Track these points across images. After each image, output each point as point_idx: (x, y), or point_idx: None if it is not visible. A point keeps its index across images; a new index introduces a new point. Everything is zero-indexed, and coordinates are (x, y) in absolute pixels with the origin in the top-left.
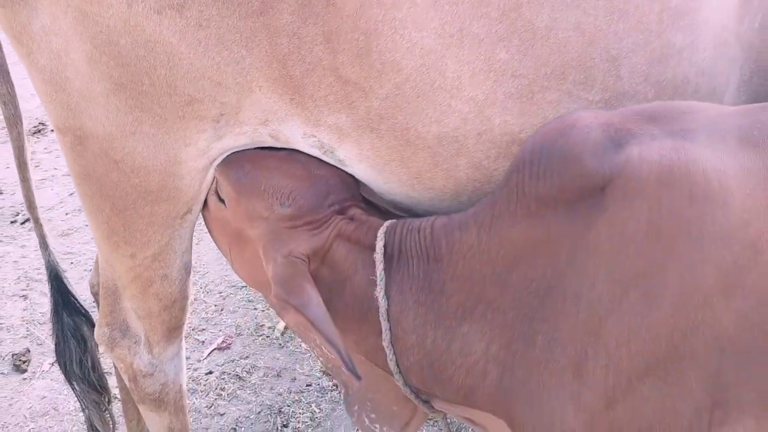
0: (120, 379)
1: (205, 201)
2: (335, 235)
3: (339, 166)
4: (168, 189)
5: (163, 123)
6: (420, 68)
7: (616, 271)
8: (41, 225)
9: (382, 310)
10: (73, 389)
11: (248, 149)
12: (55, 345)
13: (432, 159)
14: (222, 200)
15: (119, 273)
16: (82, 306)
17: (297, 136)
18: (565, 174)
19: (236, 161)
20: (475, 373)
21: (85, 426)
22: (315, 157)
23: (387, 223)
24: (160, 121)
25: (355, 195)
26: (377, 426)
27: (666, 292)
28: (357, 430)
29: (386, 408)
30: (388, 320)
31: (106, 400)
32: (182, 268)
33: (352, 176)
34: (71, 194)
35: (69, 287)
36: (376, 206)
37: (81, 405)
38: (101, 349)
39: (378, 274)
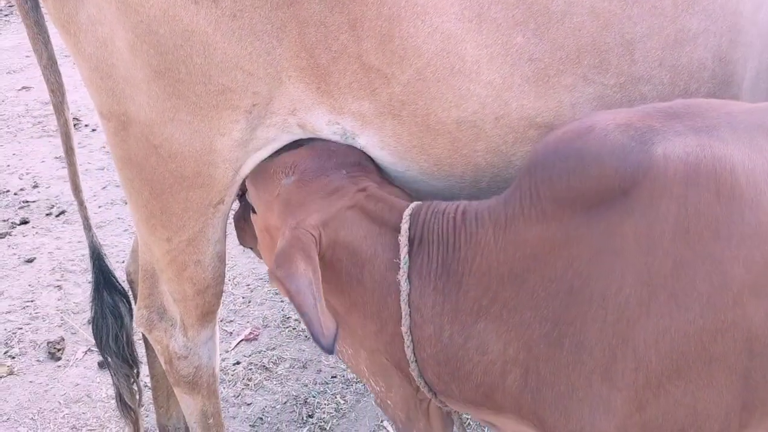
0: (152, 367)
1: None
2: (349, 206)
3: None
4: (203, 176)
5: (198, 111)
6: (440, 53)
7: (644, 273)
8: (85, 207)
9: (404, 294)
10: (106, 363)
11: None
12: (93, 321)
13: (451, 144)
14: (254, 210)
15: (157, 256)
16: (121, 285)
17: (322, 123)
18: (583, 176)
19: (258, 166)
20: (494, 372)
21: (116, 413)
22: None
23: (413, 204)
24: (195, 109)
25: (362, 162)
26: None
27: (695, 293)
28: (382, 421)
29: (438, 415)
30: (409, 305)
31: (135, 372)
32: (215, 256)
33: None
34: (104, 188)
35: (110, 267)
36: (389, 180)
37: (112, 378)
38: (140, 330)
39: (402, 258)
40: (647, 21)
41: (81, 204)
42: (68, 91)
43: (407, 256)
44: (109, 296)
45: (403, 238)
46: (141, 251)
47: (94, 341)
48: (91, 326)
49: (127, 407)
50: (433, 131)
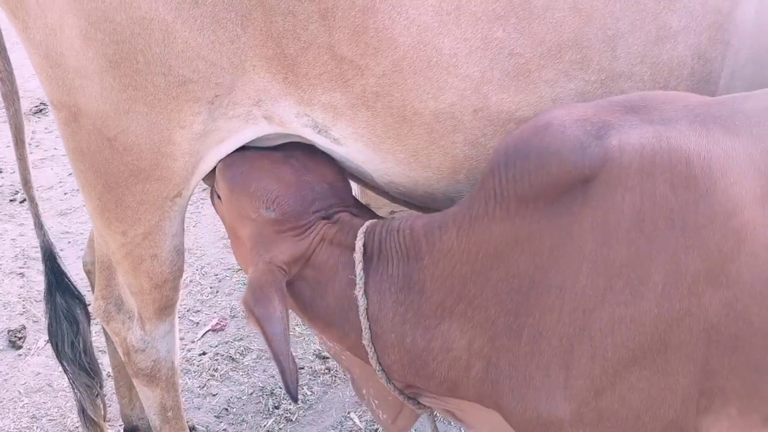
0: (113, 357)
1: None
2: (318, 240)
3: (334, 146)
4: (160, 168)
5: (157, 103)
6: (417, 45)
7: (600, 263)
8: (36, 204)
9: (361, 309)
10: (64, 371)
11: (248, 151)
12: (48, 326)
13: (428, 136)
14: (219, 197)
15: (112, 249)
16: (75, 287)
17: (291, 115)
18: (544, 173)
19: (235, 161)
20: (458, 367)
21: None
22: (311, 160)
23: (367, 223)
24: (153, 100)
25: (344, 200)
26: (380, 412)
27: (650, 282)
28: (349, 412)
29: (383, 396)
30: (368, 319)
31: (98, 384)
32: (172, 250)
33: (345, 180)
34: (70, 174)
35: (63, 268)
36: (368, 210)
37: (72, 387)
38: (98, 321)
39: (357, 274)
40: (629, 17)
41: (32, 200)
42: (35, 75)
43: (362, 272)
44: (62, 299)
45: (358, 255)
46: (97, 243)
47: None
48: (47, 331)
49: (91, 422)
50: (409, 122)
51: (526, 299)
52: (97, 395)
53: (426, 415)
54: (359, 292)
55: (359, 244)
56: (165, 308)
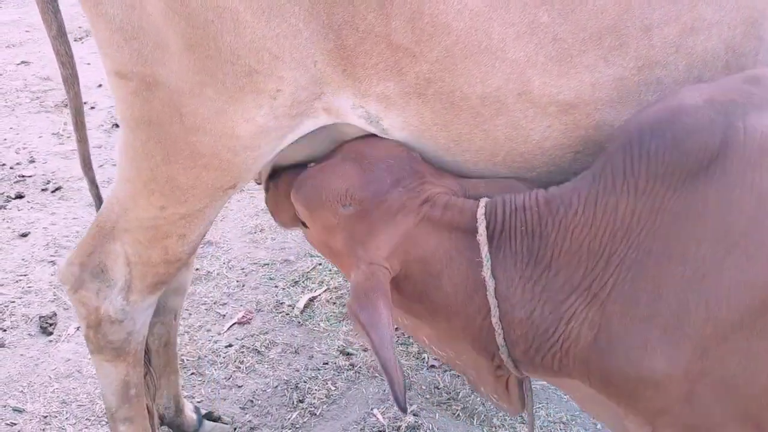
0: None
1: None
2: (418, 221)
3: (381, 135)
4: (219, 159)
5: (225, 90)
6: (468, 30)
7: (722, 233)
8: (97, 186)
9: (490, 289)
10: None
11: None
12: None
13: (473, 120)
14: (305, 225)
15: (133, 216)
16: None
17: (347, 107)
18: (678, 151)
19: (302, 183)
20: (571, 337)
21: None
22: (366, 145)
23: (483, 203)
24: (222, 88)
25: (418, 169)
26: (502, 404)
27: (765, 250)
28: (372, 408)
29: (502, 391)
30: (496, 298)
31: (147, 359)
32: (200, 235)
33: (408, 149)
34: (101, 166)
35: None
36: (452, 177)
37: None
38: (64, 288)
39: (483, 256)
40: (666, 7)
41: (92, 182)
42: None
43: (488, 254)
44: None
45: (482, 238)
46: (106, 208)
47: None
48: None
49: None
50: (456, 108)
51: (644, 268)
52: (146, 374)
53: (526, 384)
54: (487, 273)
55: (482, 227)
56: (160, 283)
